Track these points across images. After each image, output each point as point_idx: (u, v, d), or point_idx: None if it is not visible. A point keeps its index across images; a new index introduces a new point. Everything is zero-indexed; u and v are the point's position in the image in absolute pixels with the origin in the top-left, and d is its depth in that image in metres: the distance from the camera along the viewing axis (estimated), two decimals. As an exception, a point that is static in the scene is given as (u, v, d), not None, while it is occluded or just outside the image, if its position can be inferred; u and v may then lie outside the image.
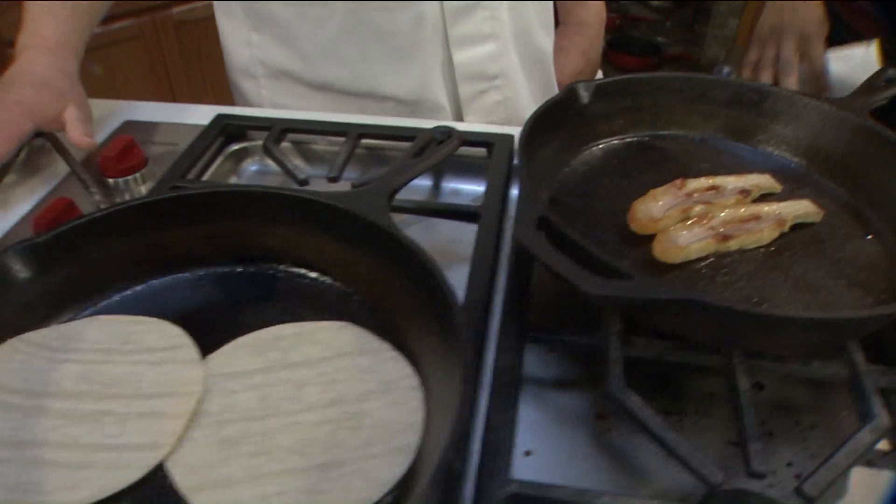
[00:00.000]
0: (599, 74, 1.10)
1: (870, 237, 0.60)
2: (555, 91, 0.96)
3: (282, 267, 0.56)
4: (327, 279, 0.54)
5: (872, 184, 0.62)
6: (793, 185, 0.64)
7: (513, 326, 0.51)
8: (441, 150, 0.58)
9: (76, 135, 0.71)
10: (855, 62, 0.87)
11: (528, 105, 0.91)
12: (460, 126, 0.75)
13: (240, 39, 0.89)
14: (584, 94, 0.66)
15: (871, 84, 0.69)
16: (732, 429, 0.51)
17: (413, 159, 0.57)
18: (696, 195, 0.61)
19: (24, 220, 0.66)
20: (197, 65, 1.89)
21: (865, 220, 0.61)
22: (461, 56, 0.83)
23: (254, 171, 0.78)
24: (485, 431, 0.45)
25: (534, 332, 0.52)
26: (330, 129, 0.75)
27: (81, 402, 0.46)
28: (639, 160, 0.67)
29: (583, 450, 0.50)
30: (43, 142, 0.75)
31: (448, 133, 0.60)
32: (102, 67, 1.70)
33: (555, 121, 0.64)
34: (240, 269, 0.57)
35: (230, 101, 0.98)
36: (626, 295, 0.44)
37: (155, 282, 0.56)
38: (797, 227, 0.60)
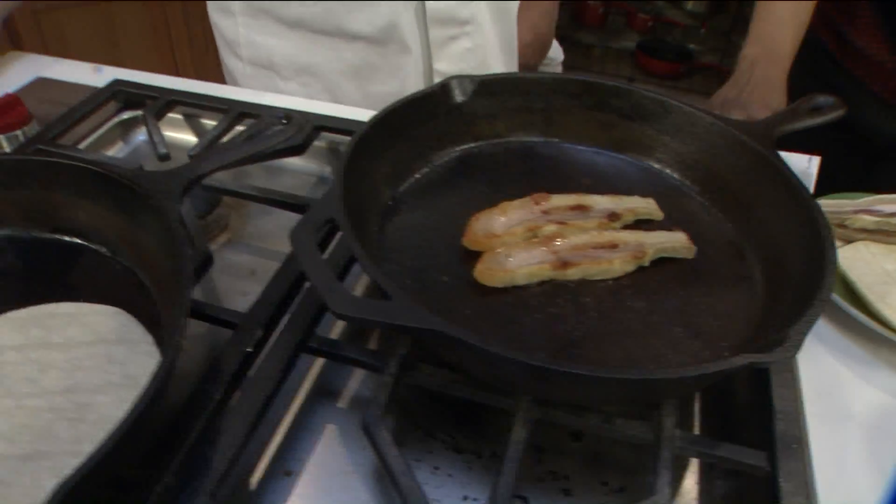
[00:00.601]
0: (555, 52, 1.05)
1: (740, 279, 0.53)
2: (514, 52, 0.95)
3: (84, 242, 0.52)
4: (122, 259, 0.51)
5: (758, 222, 0.55)
6: (677, 214, 0.58)
7: (291, 332, 0.47)
8: (265, 142, 0.53)
9: None
10: None
11: (497, 56, 0.90)
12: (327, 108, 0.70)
13: None
14: (459, 93, 0.60)
15: (796, 109, 0.61)
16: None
17: (236, 144, 0.53)
18: (554, 213, 0.55)
19: None
20: (199, 26, 1.86)
21: (744, 262, 0.54)
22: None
23: (142, 140, 0.76)
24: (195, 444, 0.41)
25: (311, 342, 0.47)
26: (213, 106, 0.71)
27: None
28: (517, 167, 0.61)
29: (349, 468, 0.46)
30: None
31: (288, 118, 0.56)
32: (103, 22, 1.70)
33: (420, 116, 0.58)
34: (44, 237, 0.53)
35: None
36: (371, 318, 0.39)
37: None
38: (665, 262, 0.54)
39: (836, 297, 0.55)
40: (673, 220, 0.57)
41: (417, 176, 0.59)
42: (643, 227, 0.56)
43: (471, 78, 0.61)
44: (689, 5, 2.52)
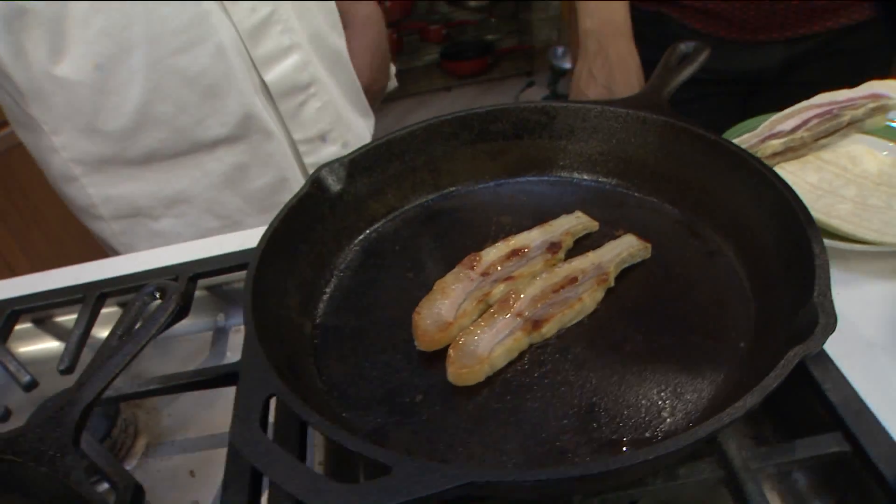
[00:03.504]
0: (393, 70, 1.05)
1: (708, 256, 0.48)
2: (360, 92, 0.94)
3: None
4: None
5: (695, 188, 0.51)
6: (611, 216, 0.53)
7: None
8: (148, 328, 0.43)
9: None
10: None
11: (346, 105, 0.90)
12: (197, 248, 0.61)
13: (45, 148, 0.82)
14: (333, 181, 0.52)
15: (666, 65, 0.59)
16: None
17: (114, 345, 0.42)
18: (493, 271, 0.48)
19: None
20: (23, 201, 1.61)
21: (699, 235, 0.50)
22: (272, 75, 0.80)
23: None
24: None
25: None
26: (65, 299, 0.58)
27: None
28: (425, 235, 0.54)
29: None
30: None
31: (162, 292, 0.45)
32: None
33: (302, 225, 0.50)
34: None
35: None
36: (381, 502, 0.30)
37: None
38: (627, 273, 0.48)
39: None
40: (610, 224, 0.52)
41: (328, 290, 0.50)
42: (584, 245, 0.51)
43: (339, 162, 0.53)
44: (472, 3, 2.57)
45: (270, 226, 0.47)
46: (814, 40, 0.84)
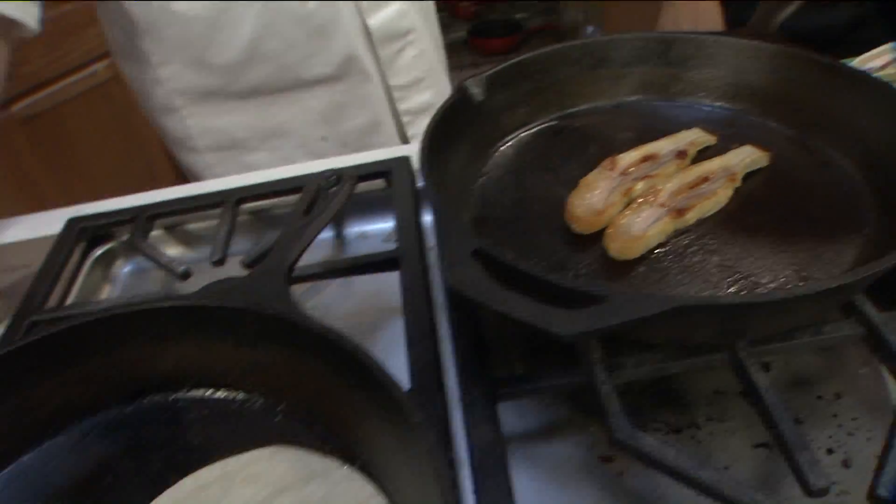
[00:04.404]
0: None
1: (825, 167, 0.54)
2: (442, 47, 1.00)
3: (183, 393, 0.45)
4: (240, 394, 0.43)
5: (808, 109, 0.56)
6: (727, 132, 0.58)
7: (477, 390, 0.42)
8: (335, 199, 0.48)
9: None
10: None
11: (434, 59, 0.95)
12: (346, 160, 0.66)
13: (149, 80, 0.86)
14: (477, 91, 0.57)
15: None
16: (753, 428, 0.44)
17: (304, 218, 0.47)
18: (631, 172, 0.53)
19: None
20: (59, 160, 1.70)
21: (814, 150, 0.55)
22: (375, 20, 0.84)
23: (129, 272, 0.66)
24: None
25: (502, 388, 0.43)
26: (203, 203, 0.63)
27: None
28: (557, 147, 0.59)
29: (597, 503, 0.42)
30: None
31: (338, 176, 0.50)
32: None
33: (453, 128, 0.55)
34: (132, 408, 0.45)
35: (110, 192, 0.87)
36: (607, 325, 0.35)
37: (26, 457, 0.43)
38: (749, 176, 0.54)
39: None
40: (726, 139, 0.57)
41: (475, 189, 0.55)
42: (704, 157, 0.56)
43: (481, 75, 0.58)
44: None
45: (430, 122, 0.52)
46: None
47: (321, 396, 0.40)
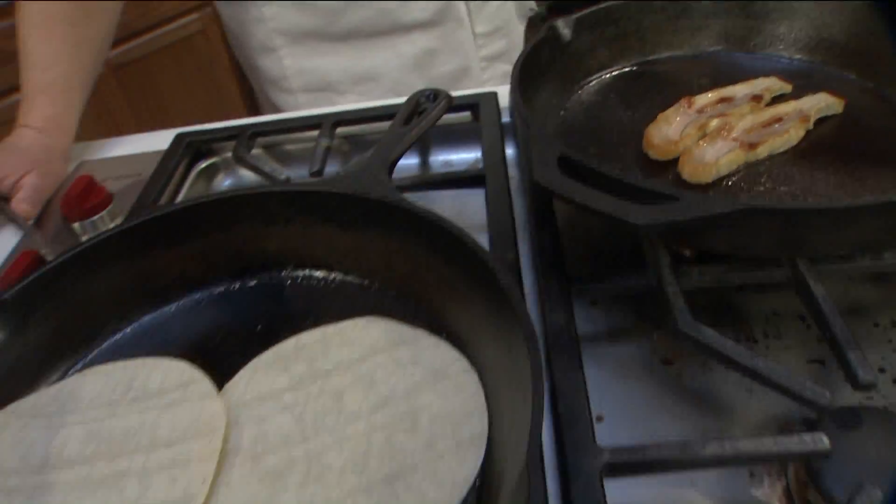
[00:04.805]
0: None
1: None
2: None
3: (286, 272, 0.50)
4: (338, 274, 0.49)
5: (885, 63, 0.58)
6: (802, 83, 0.60)
7: (554, 282, 0.46)
8: (432, 112, 0.52)
9: (17, 199, 0.68)
10: None
11: (511, 11, 0.98)
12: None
13: (251, 19, 0.91)
14: (566, 31, 0.61)
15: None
16: (808, 346, 0.47)
17: (404, 128, 0.52)
18: (707, 110, 0.56)
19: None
20: (145, 108, 1.81)
21: (888, 100, 0.57)
22: None
23: (228, 185, 0.72)
24: (556, 401, 0.40)
25: (575, 285, 0.47)
26: (302, 124, 0.69)
27: (93, 466, 0.40)
28: (636, 89, 0.63)
29: (657, 401, 0.45)
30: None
31: (435, 94, 0.55)
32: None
33: (541, 64, 0.59)
34: (240, 284, 0.51)
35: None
36: (680, 218, 0.39)
37: (148, 317, 0.50)
38: (821, 122, 0.56)
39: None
40: (801, 89, 0.60)
41: (559, 121, 0.59)
42: (779, 102, 0.59)
43: (570, 17, 0.62)
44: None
45: (521, 55, 0.56)
46: None
47: (413, 275, 0.45)
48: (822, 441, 0.35)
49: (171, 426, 0.41)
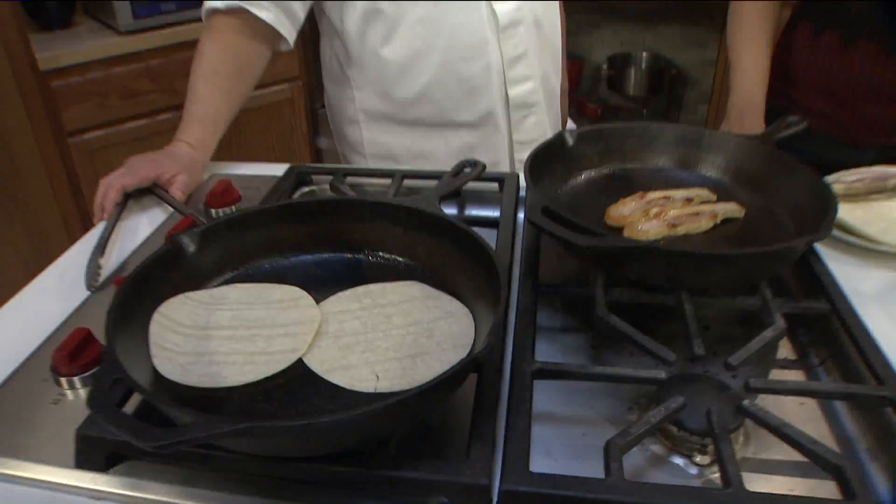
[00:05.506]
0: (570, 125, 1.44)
1: (778, 225, 0.83)
2: (559, 124, 1.33)
3: (363, 253, 0.78)
4: (397, 257, 0.77)
5: (776, 190, 0.87)
6: (722, 195, 0.89)
7: (529, 281, 0.74)
8: (471, 172, 0.82)
9: (174, 189, 1.00)
10: None
11: (549, 128, 1.25)
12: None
13: (345, 97, 1.21)
14: (570, 139, 0.91)
15: (780, 124, 0.95)
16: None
17: (452, 178, 0.82)
18: (653, 202, 0.85)
19: (157, 231, 0.90)
20: (229, 156, 2.15)
21: (774, 215, 0.85)
22: (514, 91, 1.17)
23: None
24: (515, 338, 0.67)
25: (543, 286, 0.74)
26: (380, 173, 0.99)
27: (235, 330, 0.67)
28: (612, 184, 0.92)
29: (581, 362, 0.72)
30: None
31: (474, 163, 0.85)
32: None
33: (548, 158, 0.88)
34: (334, 256, 0.79)
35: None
36: (603, 245, 0.67)
37: (274, 263, 0.78)
38: (726, 221, 0.84)
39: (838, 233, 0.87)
40: (720, 199, 0.88)
41: (554, 197, 0.88)
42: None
43: (573, 130, 0.92)
44: (631, 94, 2.99)
45: (531, 153, 0.86)
46: None
47: (442, 261, 0.73)
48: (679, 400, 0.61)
49: (286, 318, 0.68)
